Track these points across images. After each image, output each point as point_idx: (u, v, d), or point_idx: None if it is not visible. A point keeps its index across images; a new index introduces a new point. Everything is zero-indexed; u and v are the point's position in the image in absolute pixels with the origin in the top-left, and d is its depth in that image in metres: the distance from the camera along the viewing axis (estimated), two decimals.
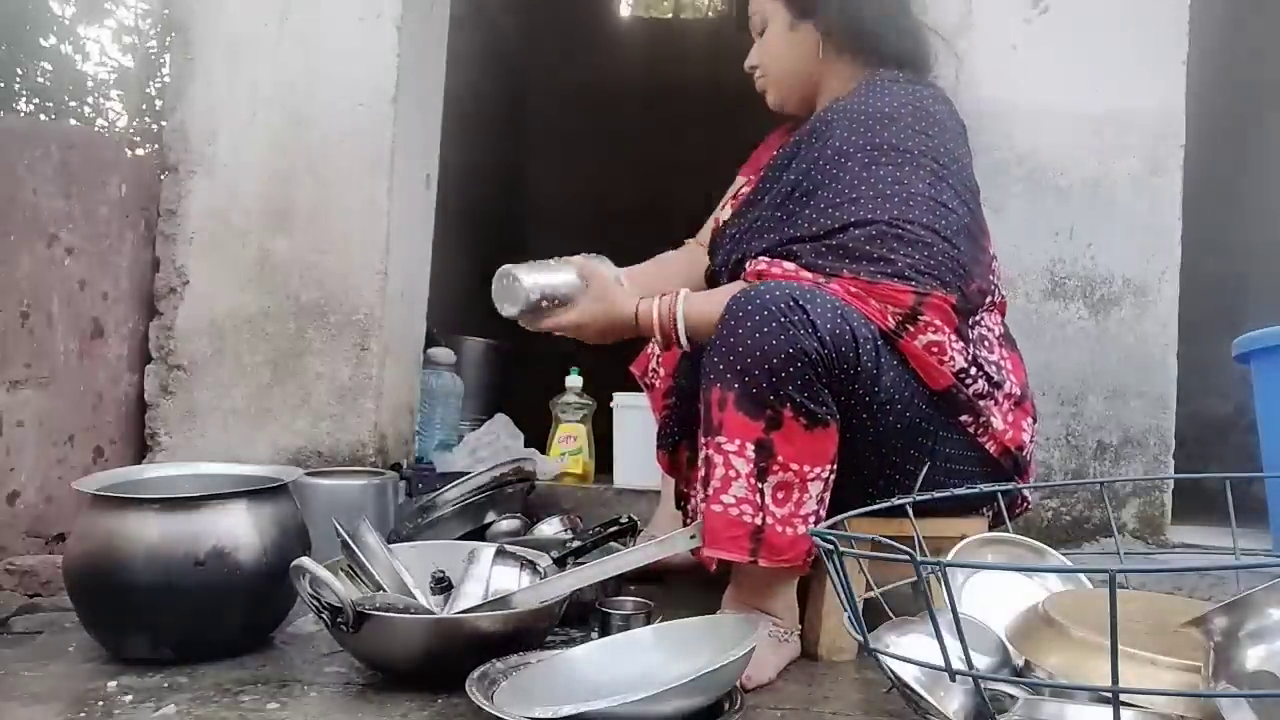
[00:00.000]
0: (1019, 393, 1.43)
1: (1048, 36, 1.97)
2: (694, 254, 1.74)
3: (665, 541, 1.32)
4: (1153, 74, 1.95)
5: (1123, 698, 0.79)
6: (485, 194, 4.05)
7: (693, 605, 1.36)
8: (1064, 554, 1.24)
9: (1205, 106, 2.12)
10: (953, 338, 1.31)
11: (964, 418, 1.35)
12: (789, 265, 1.30)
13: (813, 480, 1.24)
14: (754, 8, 1.60)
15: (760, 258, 1.34)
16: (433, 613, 1.26)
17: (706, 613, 1.30)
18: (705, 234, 1.74)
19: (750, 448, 1.21)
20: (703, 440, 1.27)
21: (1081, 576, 1.18)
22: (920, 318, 1.27)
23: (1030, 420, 1.44)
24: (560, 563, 1.37)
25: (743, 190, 1.63)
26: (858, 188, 1.32)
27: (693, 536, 1.28)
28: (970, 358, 1.35)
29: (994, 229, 1.96)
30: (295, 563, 1.19)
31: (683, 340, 1.37)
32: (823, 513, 1.26)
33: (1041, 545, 1.23)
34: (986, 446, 1.37)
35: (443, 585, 1.37)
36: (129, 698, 1.12)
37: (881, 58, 1.51)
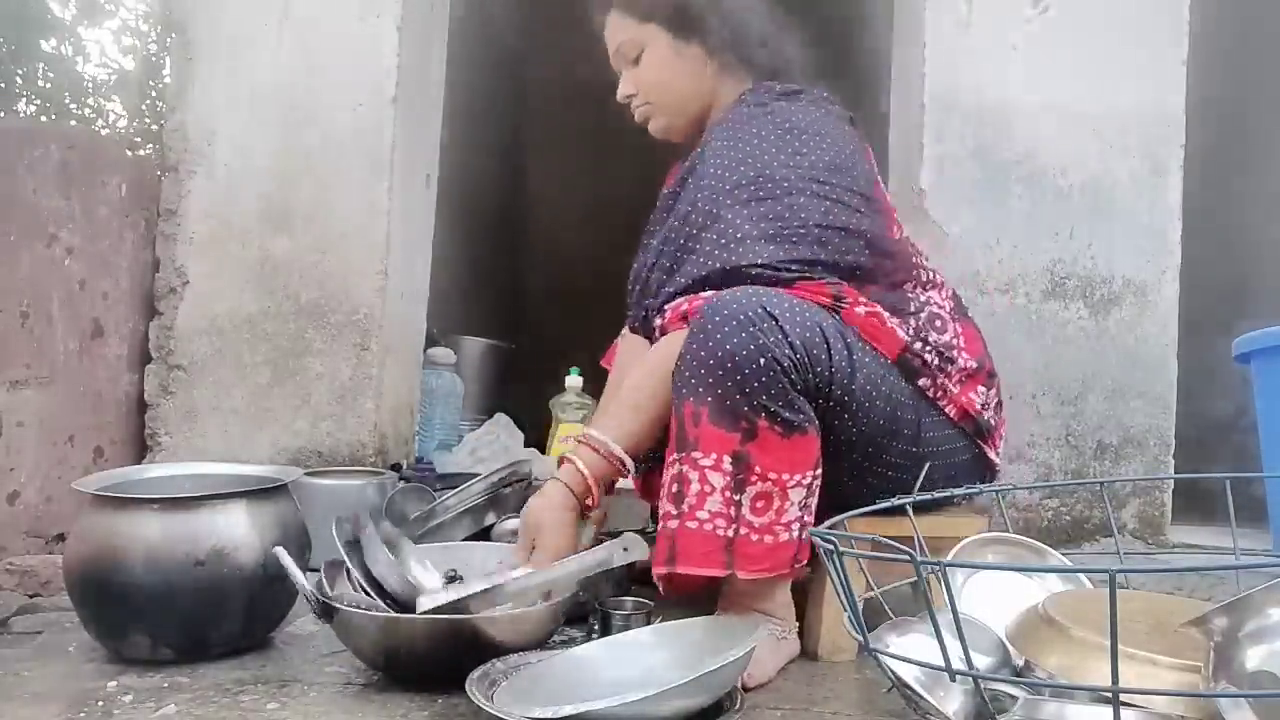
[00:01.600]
0: (974, 365, 1.42)
1: (1048, 36, 1.97)
2: (632, 344, 1.65)
3: (595, 552, 1.26)
4: (1153, 74, 1.96)
5: (1123, 698, 0.79)
6: (485, 194, 4.05)
7: (693, 605, 1.36)
8: (1064, 554, 1.24)
9: (1205, 106, 2.12)
10: (886, 314, 1.32)
11: (922, 381, 1.35)
12: (709, 294, 1.28)
13: (794, 488, 1.22)
14: (620, 37, 1.54)
15: (679, 301, 1.33)
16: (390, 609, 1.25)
17: (706, 613, 1.30)
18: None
19: (727, 460, 1.20)
20: (675, 456, 1.23)
21: (1081, 576, 1.18)
22: (844, 300, 1.29)
23: (983, 388, 1.44)
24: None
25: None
26: (740, 228, 1.31)
27: (625, 549, 1.24)
28: (913, 332, 1.35)
29: (994, 229, 1.97)
30: (273, 551, 1.22)
31: (628, 465, 1.32)
32: (808, 518, 1.25)
33: (1041, 545, 1.23)
34: (946, 410, 1.38)
35: (454, 581, 1.37)
36: (129, 698, 1.12)
37: (767, 69, 1.49)
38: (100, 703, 1.10)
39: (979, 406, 1.42)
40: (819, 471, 1.26)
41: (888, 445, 1.32)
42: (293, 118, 2.07)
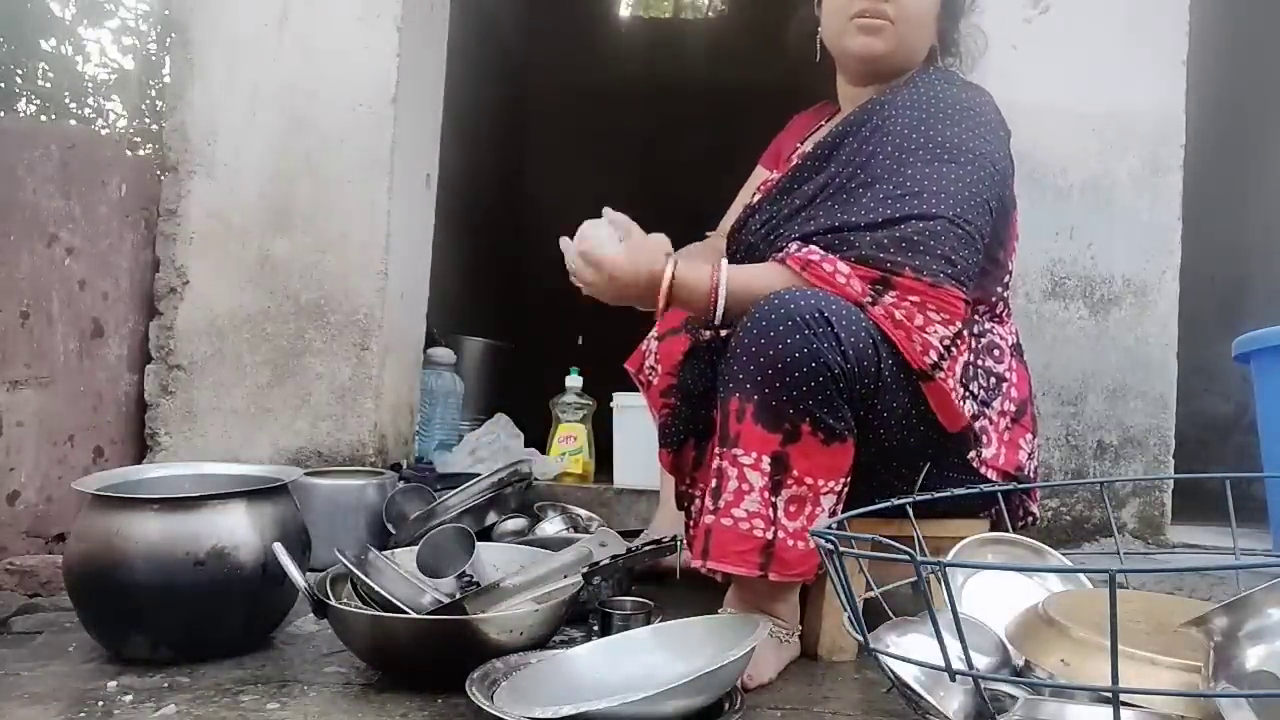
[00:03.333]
0: (1014, 409, 1.41)
1: (1048, 36, 1.97)
2: (714, 245, 1.69)
3: (576, 549, 1.28)
4: (1153, 74, 1.95)
5: (1123, 697, 0.79)
6: (485, 194, 4.05)
7: (693, 605, 1.36)
8: (1064, 554, 1.24)
9: (1205, 106, 2.12)
10: (969, 357, 1.31)
11: (971, 454, 1.34)
12: (841, 265, 1.24)
13: (826, 494, 1.22)
14: None
15: (810, 246, 1.28)
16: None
17: (707, 613, 1.30)
18: (725, 225, 1.70)
19: (767, 461, 1.20)
20: (717, 450, 1.24)
21: (1081, 576, 1.18)
22: (963, 334, 1.26)
23: (1029, 435, 1.43)
24: (589, 575, 1.35)
25: (771, 178, 1.58)
26: (921, 183, 1.28)
27: (603, 544, 1.26)
28: (968, 360, 1.34)
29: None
30: (272, 547, 1.22)
31: (718, 314, 1.29)
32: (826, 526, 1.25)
33: (1041, 545, 1.23)
34: (988, 476, 1.36)
35: (470, 586, 1.37)
36: (129, 698, 1.12)
37: (947, 52, 1.49)
38: (100, 703, 1.10)
39: (1023, 460, 1.40)
40: (849, 479, 1.26)
41: (910, 462, 1.31)
42: (293, 118, 2.07)
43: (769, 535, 1.21)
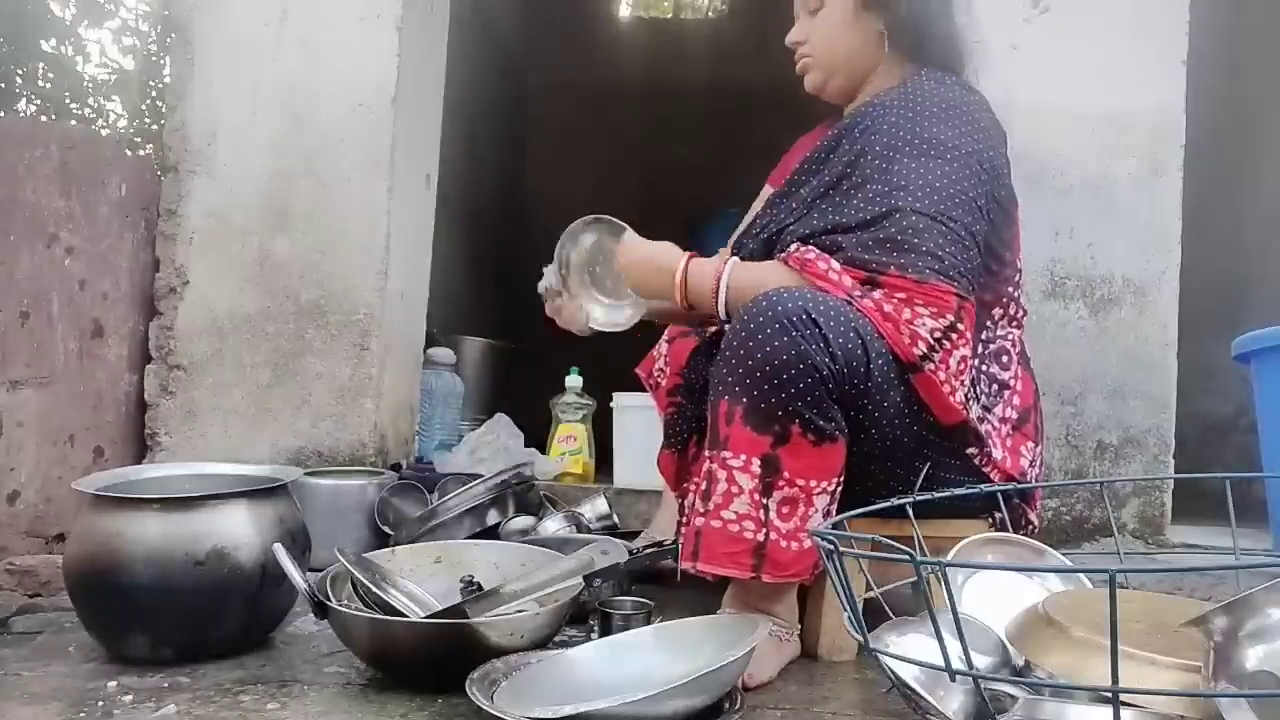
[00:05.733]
0: (1017, 415, 1.41)
1: (1048, 36, 1.97)
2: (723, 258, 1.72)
3: (577, 556, 1.28)
4: (1153, 74, 1.95)
5: (1123, 697, 0.79)
6: (485, 194, 4.05)
7: (693, 605, 1.36)
8: (1064, 554, 1.24)
9: (1205, 106, 2.12)
10: (968, 352, 1.30)
11: (970, 450, 1.34)
12: (834, 263, 1.26)
13: (819, 494, 1.22)
14: None
15: (807, 246, 1.30)
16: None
17: (706, 613, 1.30)
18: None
19: (756, 463, 1.20)
20: (707, 453, 1.25)
21: (1081, 576, 1.18)
22: (957, 327, 1.24)
23: (1031, 444, 1.42)
24: (589, 578, 1.35)
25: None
26: (908, 178, 1.29)
27: (605, 552, 1.26)
28: (972, 377, 1.34)
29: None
30: (272, 547, 1.23)
31: (722, 307, 1.34)
32: (826, 526, 1.25)
33: (1041, 545, 1.23)
34: (991, 476, 1.36)
35: (472, 589, 1.37)
36: (129, 698, 1.12)
37: (928, 58, 1.48)
38: (100, 703, 1.10)
39: (1025, 465, 1.40)
40: (842, 479, 1.26)
41: (905, 460, 1.31)
42: (293, 118, 2.07)
43: (760, 537, 1.21)
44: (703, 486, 1.24)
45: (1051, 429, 1.93)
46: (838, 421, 1.22)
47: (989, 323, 1.42)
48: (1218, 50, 2.30)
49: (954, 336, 1.24)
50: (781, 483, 1.20)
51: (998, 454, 1.36)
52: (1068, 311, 1.96)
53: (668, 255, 1.41)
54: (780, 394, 1.17)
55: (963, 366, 1.27)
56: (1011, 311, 1.45)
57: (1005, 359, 1.42)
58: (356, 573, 1.26)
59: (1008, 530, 1.33)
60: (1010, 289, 1.45)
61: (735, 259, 1.38)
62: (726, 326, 1.26)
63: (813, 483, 1.21)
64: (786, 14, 1.57)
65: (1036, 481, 1.43)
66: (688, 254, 1.40)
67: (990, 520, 1.40)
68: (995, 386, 1.39)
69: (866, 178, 1.32)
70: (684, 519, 1.42)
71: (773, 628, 1.27)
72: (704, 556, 1.22)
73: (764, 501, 1.20)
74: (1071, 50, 1.97)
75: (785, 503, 1.21)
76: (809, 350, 1.17)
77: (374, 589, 1.24)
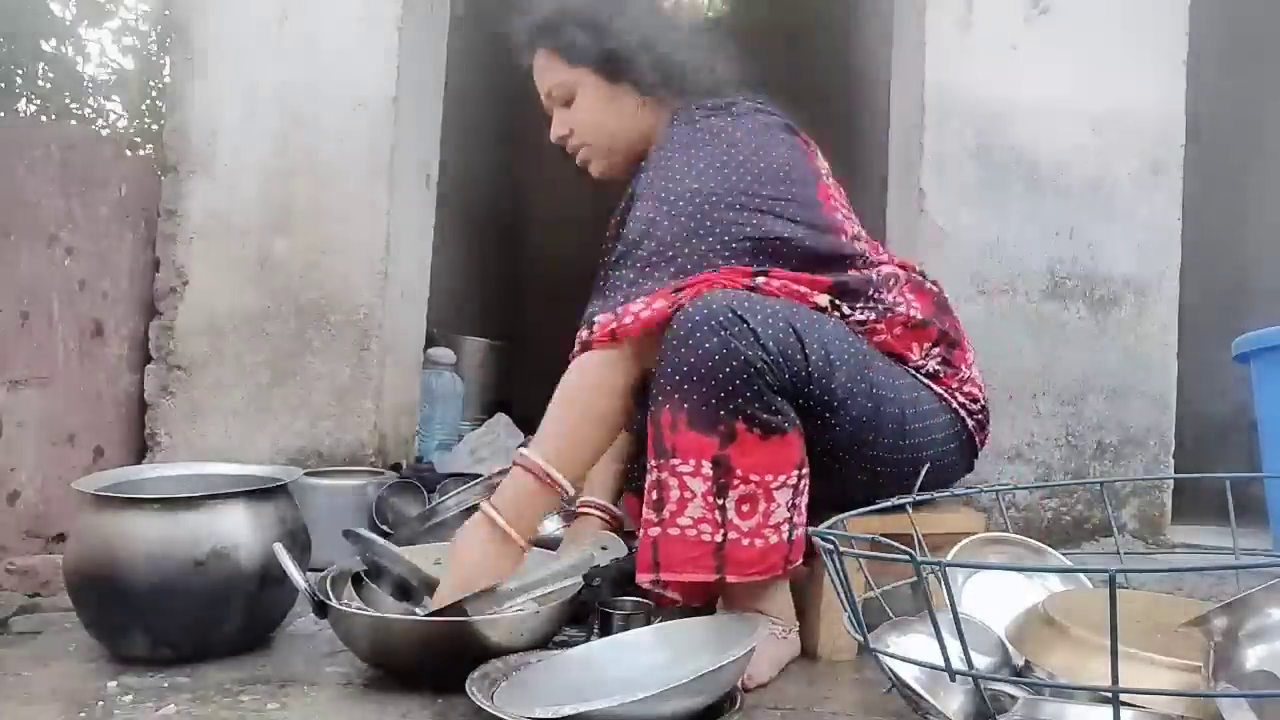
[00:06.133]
0: (920, 318, 1.40)
1: (1048, 36, 1.97)
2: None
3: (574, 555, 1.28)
4: (1153, 74, 1.96)
5: (1123, 697, 0.79)
6: (485, 194, 4.05)
7: (693, 606, 1.36)
8: (1064, 554, 1.24)
9: (1205, 106, 2.12)
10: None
11: (860, 313, 1.35)
12: (634, 305, 1.25)
13: (779, 489, 1.22)
14: (551, 80, 1.51)
15: (606, 317, 1.27)
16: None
17: (706, 613, 1.30)
18: None
19: (707, 465, 1.19)
20: (655, 463, 1.23)
21: (1081, 576, 1.18)
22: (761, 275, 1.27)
23: (928, 343, 1.42)
24: (589, 576, 1.35)
25: None
26: (673, 242, 1.28)
27: (604, 548, 1.26)
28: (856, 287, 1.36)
29: (994, 229, 1.97)
30: (273, 546, 1.23)
31: (565, 484, 1.26)
32: (798, 518, 1.24)
33: (1041, 545, 1.23)
34: (944, 396, 1.39)
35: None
36: (129, 698, 1.12)
37: (703, 93, 1.46)
38: (100, 703, 1.10)
39: (919, 358, 1.41)
40: (805, 471, 1.25)
41: (874, 440, 1.31)
42: (293, 118, 2.07)
43: (718, 538, 1.20)
44: (653, 496, 1.22)
45: (1051, 429, 1.93)
46: (784, 413, 1.21)
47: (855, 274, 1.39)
48: (1218, 50, 2.30)
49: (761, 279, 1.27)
50: (736, 481, 1.19)
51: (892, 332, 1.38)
52: (1068, 311, 1.96)
53: (470, 544, 1.26)
54: (719, 393, 1.18)
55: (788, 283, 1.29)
56: (872, 260, 1.42)
57: (893, 281, 1.40)
58: (378, 545, 1.27)
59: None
60: (860, 258, 1.40)
61: (520, 452, 1.29)
62: (662, 341, 1.22)
63: (768, 477, 1.21)
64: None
65: (945, 377, 1.42)
66: (472, 519, 1.27)
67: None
68: (887, 300, 1.39)
69: (635, 244, 1.31)
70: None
71: (770, 627, 1.27)
72: (665, 565, 1.21)
73: (719, 503, 1.20)
74: (1071, 50, 1.97)
75: (744, 500, 1.20)
76: (740, 347, 1.17)
77: (388, 565, 1.24)
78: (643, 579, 1.22)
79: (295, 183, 2.07)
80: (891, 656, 0.95)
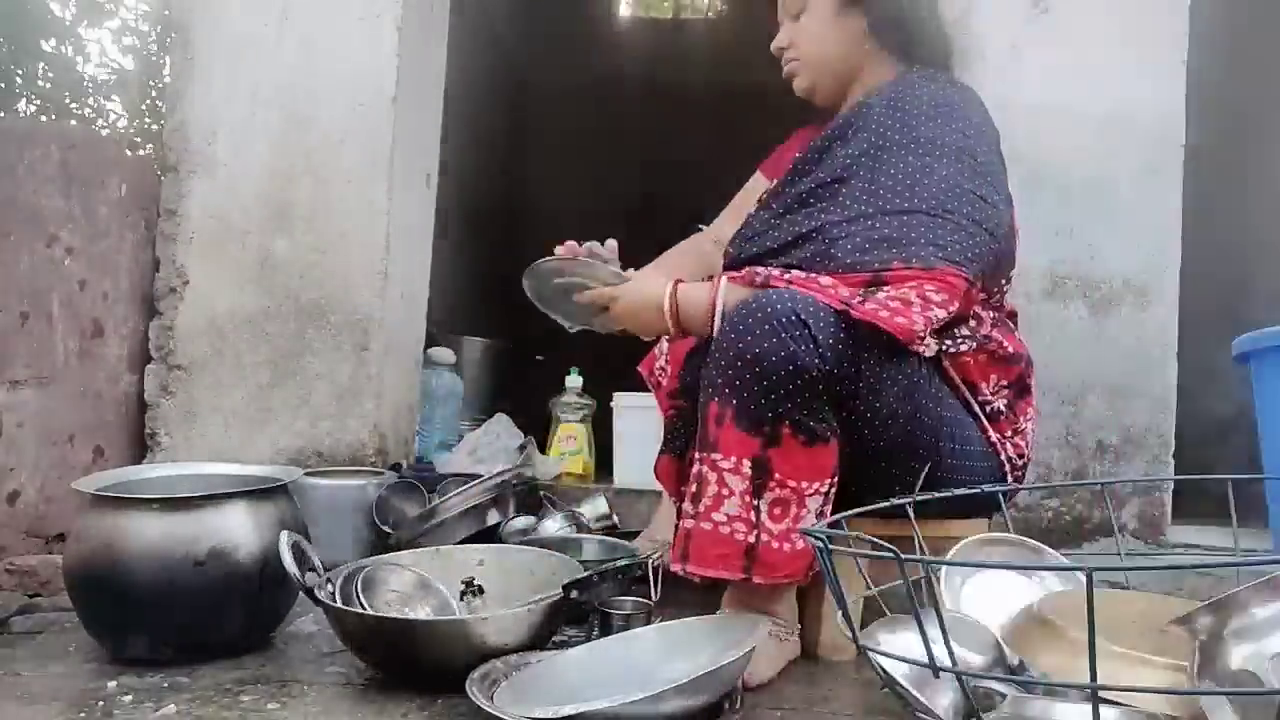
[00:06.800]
0: (1010, 352, 1.39)
1: (1048, 36, 1.97)
2: (700, 245, 1.71)
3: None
4: (1153, 74, 1.95)
5: (1110, 695, 0.79)
6: (485, 194, 4.05)
7: (693, 605, 1.36)
8: (1064, 554, 1.24)
9: (1205, 106, 2.12)
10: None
11: (968, 426, 1.34)
12: (824, 279, 1.23)
13: (811, 495, 1.22)
14: None
15: (793, 273, 1.27)
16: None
17: (706, 613, 1.30)
18: (718, 227, 1.71)
19: (747, 465, 1.20)
20: (697, 455, 1.24)
21: (1080, 576, 1.18)
22: (965, 322, 1.27)
23: (1031, 410, 1.43)
24: (568, 587, 1.35)
25: (767, 189, 1.59)
26: (898, 179, 1.28)
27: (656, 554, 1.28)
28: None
29: None
30: (276, 542, 1.23)
31: (717, 330, 1.30)
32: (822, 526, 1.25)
33: (1040, 545, 1.23)
34: (999, 446, 1.37)
35: (470, 590, 1.37)
36: (129, 698, 1.12)
37: (917, 56, 1.48)
38: (100, 703, 1.10)
39: (1026, 428, 1.42)
40: (836, 480, 1.25)
41: (905, 463, 1.30)
42: (293, 118, 2.08)
43: (751, 538, 1.20)
44: (693, 488, 1.24)
45: (1051, 429, 1.93)
46: (829, 423, 1.22)
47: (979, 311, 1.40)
48: (1218, 50, 2.30)
49: (960, 330, 1.29)
50: (773, 484, 1.20)
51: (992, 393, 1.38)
52: (1068, 311, 1.95)
53: (653, 291, 1.37)
54: (770, 395, 1.17)
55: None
56: (996, 302, 1.44)
57: (992, 336, 1.40)
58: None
59: (1006, 521, 1.33)
60: (1004, 282, 1.45)
61: (726, 280, 1.32)
62: (717, 330, 1.24)
63: (804, 484, 1.21)
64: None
65: (1031, 445, 1.44)
66: (671, 282, 1.36)
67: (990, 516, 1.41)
68: (979, 338, 1.38)
69: (855, 175, 1.32)
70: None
71: (772, 627, 1.28)
72: (694, 558, 1.22)
73: (755, 503, 1.20)
74: (1071, 50, 1.97)
75: (777, 504, 1.21)
76: (799, 351, 1.16)
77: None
78: (675, 568, 1.25)
79: (295, 182, 2.07)
80: (880, 654, 0.95)
